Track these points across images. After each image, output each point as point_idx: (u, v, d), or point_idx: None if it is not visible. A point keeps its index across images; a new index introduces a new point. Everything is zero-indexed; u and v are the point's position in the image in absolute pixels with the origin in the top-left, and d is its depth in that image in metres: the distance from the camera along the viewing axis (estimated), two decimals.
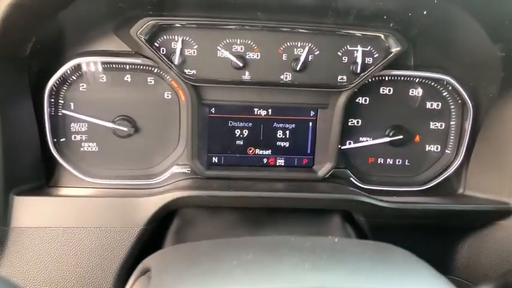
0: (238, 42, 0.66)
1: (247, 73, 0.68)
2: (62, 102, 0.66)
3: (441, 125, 0.72)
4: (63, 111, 0.66)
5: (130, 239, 0.61)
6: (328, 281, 0.40)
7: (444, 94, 0.70)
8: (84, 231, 0.60)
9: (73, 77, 0.65)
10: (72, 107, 0.66)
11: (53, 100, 0.65)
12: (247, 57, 0.70)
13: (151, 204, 0.63)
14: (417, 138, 0.73)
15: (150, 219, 0.63)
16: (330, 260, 0.43)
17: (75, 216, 0.63)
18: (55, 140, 0.66)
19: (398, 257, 0.48)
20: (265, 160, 0.71)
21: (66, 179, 0.68)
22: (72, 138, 0.68)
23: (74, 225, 0.60)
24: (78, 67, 0.64)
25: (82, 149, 0.68)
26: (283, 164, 0.71)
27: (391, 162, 0.73)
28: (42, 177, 0.67)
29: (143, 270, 0.49)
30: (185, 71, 0.67)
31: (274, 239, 0.48)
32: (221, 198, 0.64)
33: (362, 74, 0.66)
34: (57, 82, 0.64)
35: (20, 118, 0.62)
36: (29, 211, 0.61)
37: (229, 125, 0.70)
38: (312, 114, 0.70)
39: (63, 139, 0.67)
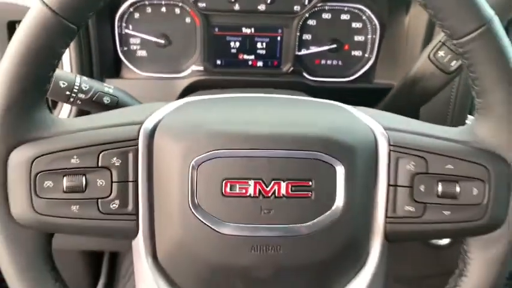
0: None
1: (237, 5, 0.95)
2: (125, 24, 0.97)
3: (362, 38, 1.01)
4: (126, 30, 0.96)
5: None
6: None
7: (363, 18, 0.99)
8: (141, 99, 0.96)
9: (131, 9, 0.96)
10: (131, 28, 0.97)
11: (119, 23, 0.97)
12: None
13: (182, 83, 0.97)
14: (346, 47, 1.01)
15: (181, 93, 0.96)
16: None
17: (137, 91, 0.95)
18: (121, 48, 0.99)
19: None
20: (250, 62, 1.01)
21: (127, 73, 1.01)
22: (131, 48, 0.99)
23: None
24: (134, 3, 0.96)
25: (137, 54, 0.99)
26: (261, 65, 1.02)
27: (329, 63, 1.03)
28: (114, 72, 1.02)
29: None
30: (198, 4, 0.95)
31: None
32: (223, 80, 0.98)
33: (308, 5, 0.96)
34: (122, 12, 0.96)
35: (104, 33, 0.95)
36: None
37: (227, 39, 0.98)
38: (279, 32, 0.99)
39: (126, 48, 0.99)
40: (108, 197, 0.50)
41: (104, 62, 0.94)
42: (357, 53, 1.03)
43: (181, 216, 0.50)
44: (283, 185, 0.49)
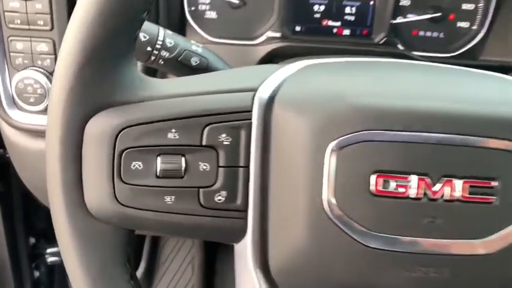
0: None
1: None
2: None
3: (471, 6, 0.90)
4: None
5: None
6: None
7: None
8: None
9: None
10: None
11: None
12: None
13: (257, 51, 0.89)
14: (451, 16, 0.91)
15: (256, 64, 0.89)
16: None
17: None
18: (188, 8, 0.90)
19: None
20: (335, 30, 0.92)
21: (193, 37, 0.91)
22: (199, 8, 0.90)
23: None
24: None
25: (205, 16, 0.91)
26: (348, 34, 0.92)
27: (429, 35, 0.92)
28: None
29: None
30: None
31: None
32: (303, 48, 0.89)
33: None
34: None
35: None
36: None
37: (310, 1, 0.90)
38: None
39: (194, 8, 0.91)
40: (212, 186, 0.42)
41: (170, 23, 0.86)
42: (463, 24, 0.92)
43: (309, 217, 0.41)
44: (458, 184, 0.39)
